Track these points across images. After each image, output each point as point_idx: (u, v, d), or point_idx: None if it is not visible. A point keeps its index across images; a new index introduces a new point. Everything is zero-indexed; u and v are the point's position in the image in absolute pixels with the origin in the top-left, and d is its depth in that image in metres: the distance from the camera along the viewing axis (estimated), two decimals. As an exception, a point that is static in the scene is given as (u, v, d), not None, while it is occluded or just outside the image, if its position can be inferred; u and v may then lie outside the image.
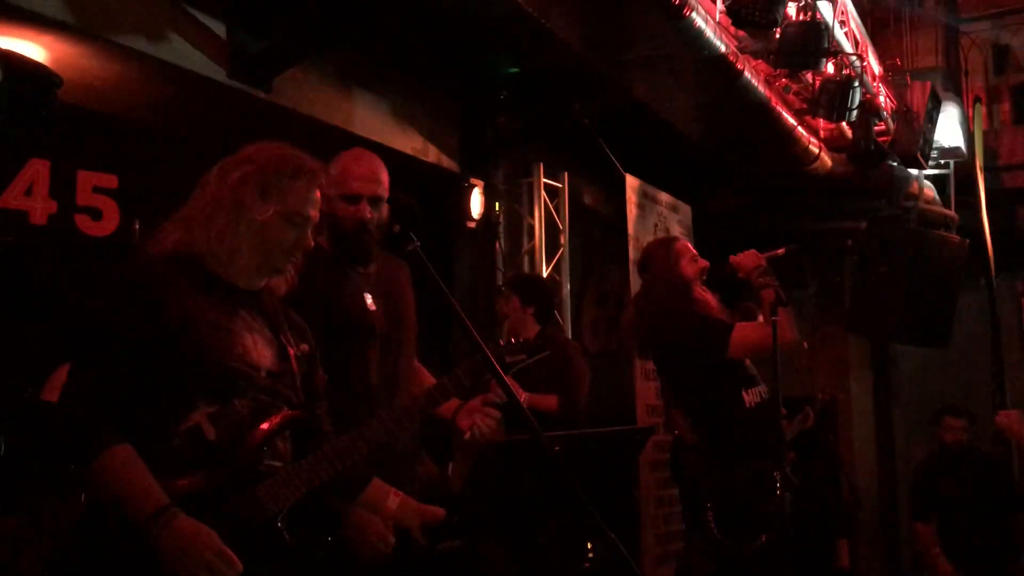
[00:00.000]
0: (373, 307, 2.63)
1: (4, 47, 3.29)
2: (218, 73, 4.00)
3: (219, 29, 4.01)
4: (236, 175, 1.99)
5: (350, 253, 2.61)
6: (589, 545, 4.90)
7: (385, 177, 2.63)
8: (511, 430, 3.68)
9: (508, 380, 2.07)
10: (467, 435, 2.46)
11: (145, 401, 1.84)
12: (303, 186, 2.01)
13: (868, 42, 5.88)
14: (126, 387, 1.83)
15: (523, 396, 3.95)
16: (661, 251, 3.56)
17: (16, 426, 2.85)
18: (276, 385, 1.97)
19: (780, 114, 5.07)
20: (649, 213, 6.01)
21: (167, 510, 1.75)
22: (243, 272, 2.01)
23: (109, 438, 1.78)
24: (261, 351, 1.97)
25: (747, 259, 3.35)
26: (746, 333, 3.29)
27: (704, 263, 3.52)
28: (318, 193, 2.05)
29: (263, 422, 1.91)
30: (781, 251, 3.38)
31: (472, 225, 5.43)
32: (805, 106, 5.35)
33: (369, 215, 2.56)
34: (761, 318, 3.33)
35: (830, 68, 5.09)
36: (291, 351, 2.03)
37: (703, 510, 3.32)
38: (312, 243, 2.05)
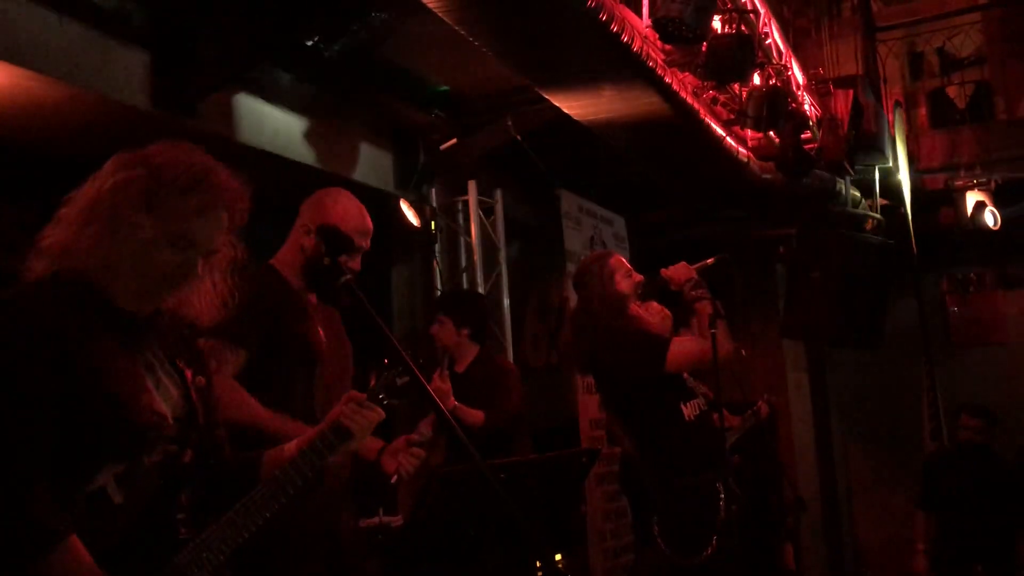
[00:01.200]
0: (323, 337, 2.67)
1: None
2: (141, 101, 3.90)
3: (142, 55, 3.91)
4: (121, 177, 1.71)
5: (321, 292, 2.65)
6: (538, 564, 4.89)
7: None
8: (456, 458, 3.65)
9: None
10: (393, 478, 2.43)
11: (51, 464, 1.58)
12: (196, 204, 1.71)
13: (791, 52, 6.01)
14: (41, 455, 1.57)
15: (451, 403, 3.93)
16: (595, 267, 3.57)
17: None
18: (183, 431, 1.75)
19: (709, 125, 5.13)
20: (584, 226, 6.05)
21: None
22: (128, 296, 1.72)
23: (58, 529, 1.53)
24: (166, 394, 1.75)
25: (678, 272, 3.41)
26: (683, 347, 3.31)
27: (639, 277, 3.54)
28: (224, 217, 1.76)
29: (171, 478, 1.72)
30: (710, 261, 3.45)
31: (413, 229, 5.40)
32: (733, 116, 5.44)
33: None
34: (696, 330, 3.35)
35: (756, 79, 5.19)
36: (191, 388, 1.80)
37: (650, 523, 3.33)
38: (200, 274, 1.76)
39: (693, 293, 3.32)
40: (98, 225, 1.68)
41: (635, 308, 3.46)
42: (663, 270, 3.46)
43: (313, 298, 2.72)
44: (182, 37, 3.98)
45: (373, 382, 1.96)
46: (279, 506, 1.78)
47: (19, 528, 1.51)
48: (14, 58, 3.40)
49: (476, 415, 4.05)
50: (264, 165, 4.67)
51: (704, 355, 3.25)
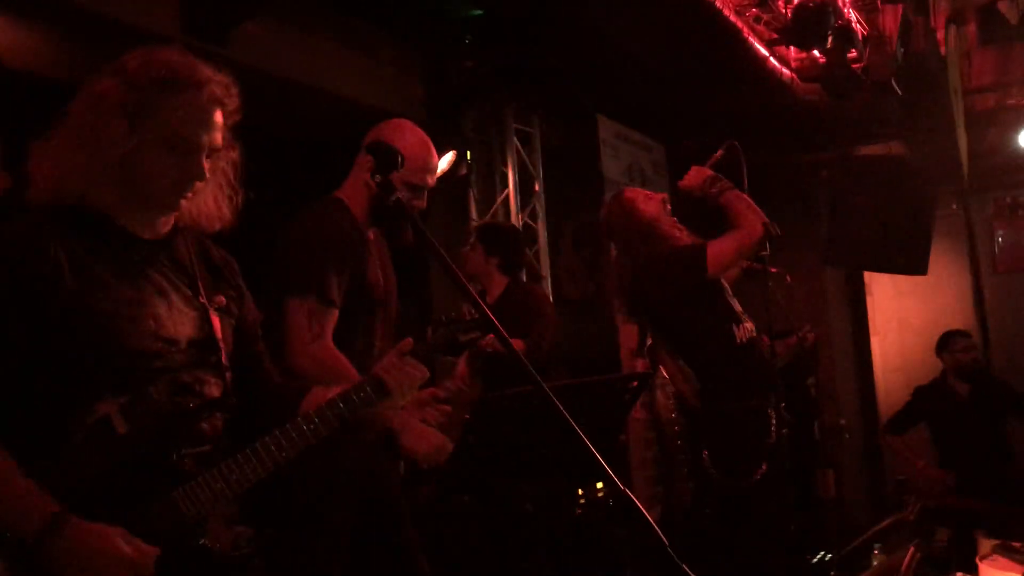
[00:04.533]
0: (381, 279, 2.63)
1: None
2: (171, 30, 3.82)
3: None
4: (97, 91, 1.62)
5: (385, 231, 2.60)
6: (580, 492, 4.90)
7: None
8: (498, 384, 3.62)
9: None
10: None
11: (40, 392, 1.56)
12: (182, 102, 1.62)
13: (836, -33, 5.76)
14: (13, 379, 1.54)
15: (488, 338, 3.89)
16: (614, 206, 3.48)
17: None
18: (200, 355, 1.68)
19: (751, 44, 4.96)
20: (622, 154, 5.92)
21: (58, 519, 1.47)
22: (133, 215, 1.66)
23: None
24: (179, 318, 1.67)
25: (694, 177, 3.35)
26: (720, 246, 3.24)
27: (659, 196, 3.48)
28: (216, 113, 1.66)
29: (184, 408, 1.64)
30: (719, 154, 3.37)
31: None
32: (776, 36, 5.25)
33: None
34: (740, 223, 3.26)
35: (802, -5, 4.99)
36: (211, 311, 1.73)
37: (698, 450, 3.30)
38: (207, 174, 1.68)
39: (713, 190, 3.27)
40: (83, 146, 1.61)
41: (667, 228, 3.38)
42: (679, 183, 3.41)
43: (372, 234, 2.64)
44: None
45: (430, 336, 1.87)
46: (298, 452, 1.69)
47: None
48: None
49: (515, 345, 3.97)
50: (295, 96, 4.59)
51: (743, 244, 3.20)
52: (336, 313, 2.44)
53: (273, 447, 1.68)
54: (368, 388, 1.78)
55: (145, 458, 1.59)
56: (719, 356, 3.27)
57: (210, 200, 1.76)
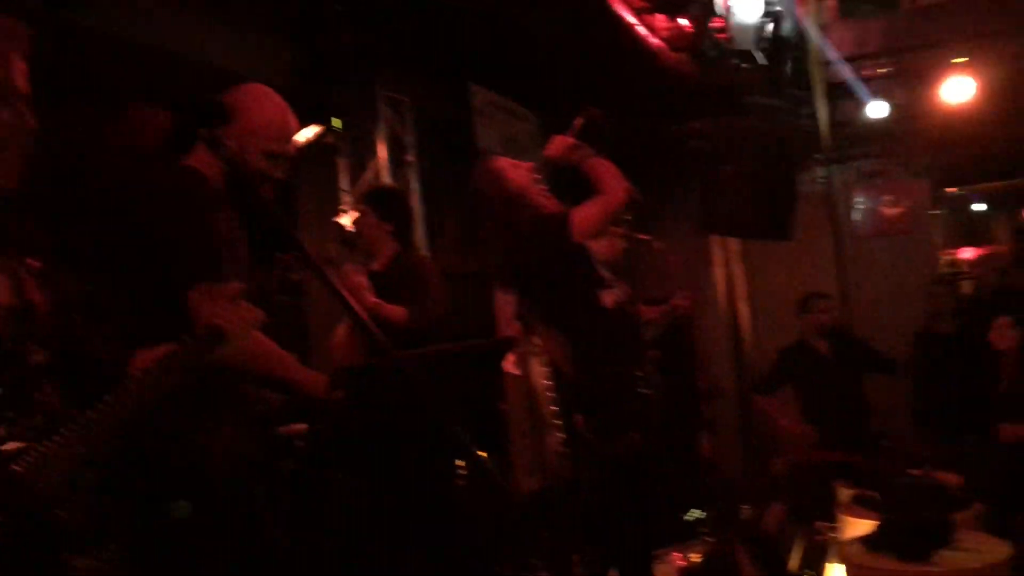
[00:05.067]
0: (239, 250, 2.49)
1: None
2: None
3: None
4: None
5: (238, 204, 2.43)
6: (459, 464, 4.89)
7: None
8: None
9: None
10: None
11: None
12: None
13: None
14: None
15: (370, 299, 3.82)
16: (484, 177, 3.46)
17: None
18: (18, 326, 1.61)
19: (619, 12, 4.99)
20: (497, 124, 5.89)
21: None
22: None
23: None
24: None
25: (557, 146, 3.38)
26: (585, 211, 3.27)
27: (528, 164, 3.50)
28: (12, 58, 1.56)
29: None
30: (579, 122, 3.41)
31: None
32: (645, 4, 5.30)
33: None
34: (602, 188, 3.30)
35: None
36: (24, 277, 1.66)
37: (572, 416, 3.32)
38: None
39: (578, 156, 3.30)
40: None
41: (535, 196, 3.39)
42: (545, 153, 3.43)
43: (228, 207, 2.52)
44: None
45: (258, 277, 1.83)
46: (138, 414, 1.64)
47: None
48: None
49: (398, 312, 3.91)
50: (159, 63, 4.35)
51: (607, 209, 3.26)
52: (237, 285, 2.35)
53: (116, 406, 1.62)
54: (204, 336, 1.77)
55: None
56: (588, 322, 3.30)
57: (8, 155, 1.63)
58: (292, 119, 2.52)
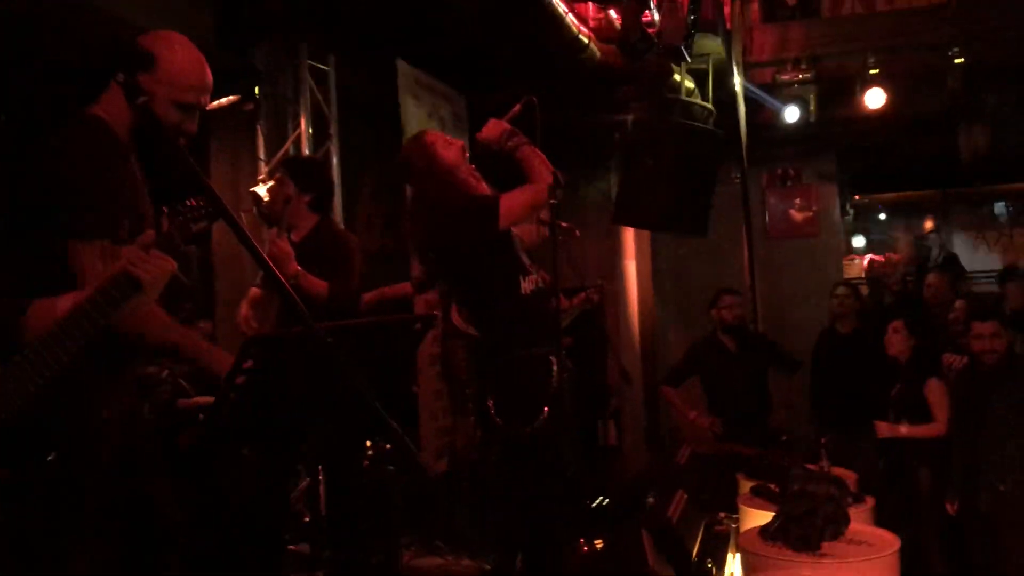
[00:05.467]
0: (147, 204, 2.38)
1: None
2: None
3: None
4: None
5: (151, 157, 2.36)
6: (368, 443, 4.84)
7: None
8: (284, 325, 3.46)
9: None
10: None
11: None
12: None
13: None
14: None
15: (293, 268, 3.74)
16: (415, 150, 3.41)
17: None
18: None
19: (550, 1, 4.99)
20: (423, 102, 5.82)
21: None
22: None
23: None
24: None
25: (492, 130, 3.34)
26: (513, 199, 3.25)
27: (458, 143, 3.45)
28: None
29: None
30: (517, 108, 3.38)
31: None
32: (577, -6, 5.31)
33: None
34: (533, 177, 3.29)
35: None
36: None
37: (484, 399, 3.31)
38: None
39: (510, 144, 3.28)
40: None
41: (465, 176, 3.35)
42: (477, 135, 3.39)
43: (134, 158, 2.42)
44: None
45: (166, 226, 1.79)
46: (51, 373, 1.62)
47: None
48: None
49: (319, 284, 3.84)
50: (67, 16, 4.16)
51: (536, 199, 3.24)
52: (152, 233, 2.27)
53: (25, 370, 1.61)
54: (115, 284, 1.74)
55: None
56: (504, 306, 3.29)
57: None
58: (207, 71, 2.43)
